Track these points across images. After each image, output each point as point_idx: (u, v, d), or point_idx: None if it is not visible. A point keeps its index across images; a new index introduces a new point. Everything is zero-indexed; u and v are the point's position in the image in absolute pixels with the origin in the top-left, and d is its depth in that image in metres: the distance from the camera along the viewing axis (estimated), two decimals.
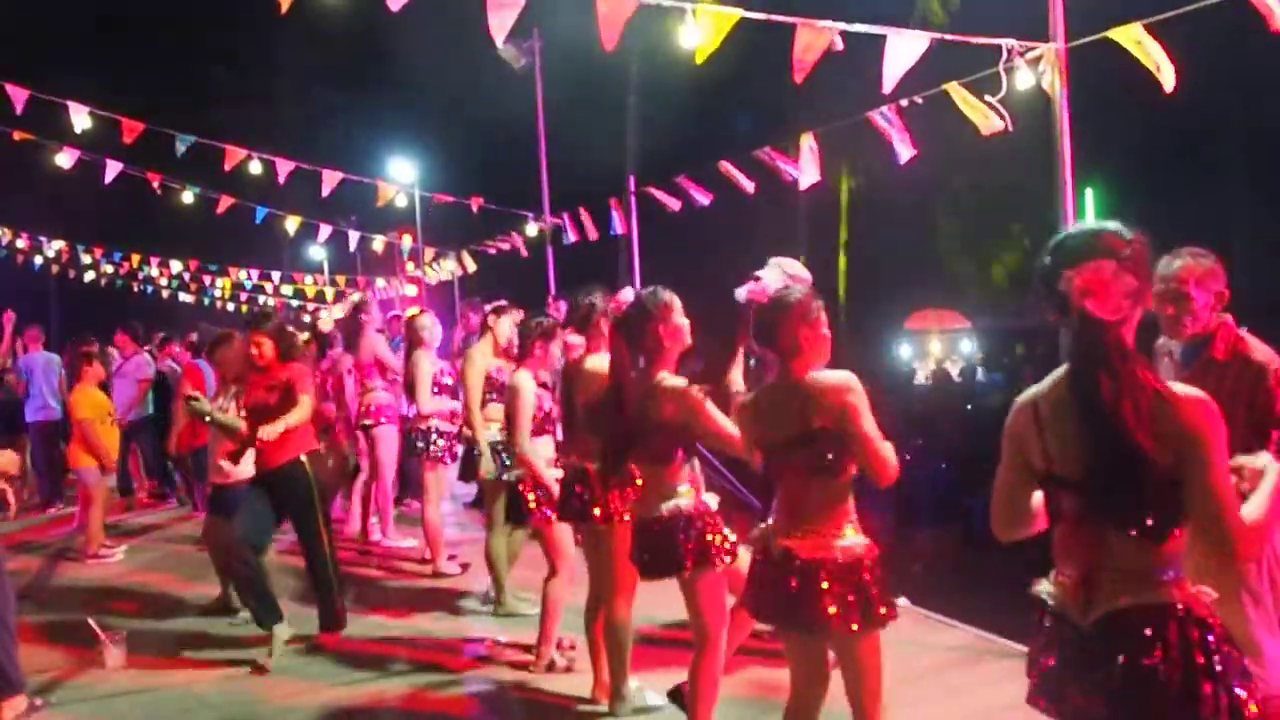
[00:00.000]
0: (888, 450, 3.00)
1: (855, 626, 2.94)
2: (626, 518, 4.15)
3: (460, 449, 7.06)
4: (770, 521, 3.17)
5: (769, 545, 3.10)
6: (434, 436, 7.12)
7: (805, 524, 3.04)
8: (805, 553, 3.00)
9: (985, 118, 5.56)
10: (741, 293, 3.48)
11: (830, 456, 3.00)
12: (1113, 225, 2.24)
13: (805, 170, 6.88)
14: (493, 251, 14.71)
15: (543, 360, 5.15)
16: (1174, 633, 2.07)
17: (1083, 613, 2.18)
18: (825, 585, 2.94)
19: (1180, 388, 2.13)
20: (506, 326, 6.21)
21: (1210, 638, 2.07)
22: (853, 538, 3.03)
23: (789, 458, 3.10)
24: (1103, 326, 2.12)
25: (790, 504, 3.10)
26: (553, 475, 4.89)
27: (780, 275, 4.93)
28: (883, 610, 2.98)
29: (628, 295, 3.81)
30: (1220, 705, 2.03)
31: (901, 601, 5.54)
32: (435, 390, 7.15)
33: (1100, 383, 2.11)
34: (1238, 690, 2.05)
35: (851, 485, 3.08)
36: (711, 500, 3.81)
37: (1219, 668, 2.05)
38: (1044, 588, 2.31)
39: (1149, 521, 2.11)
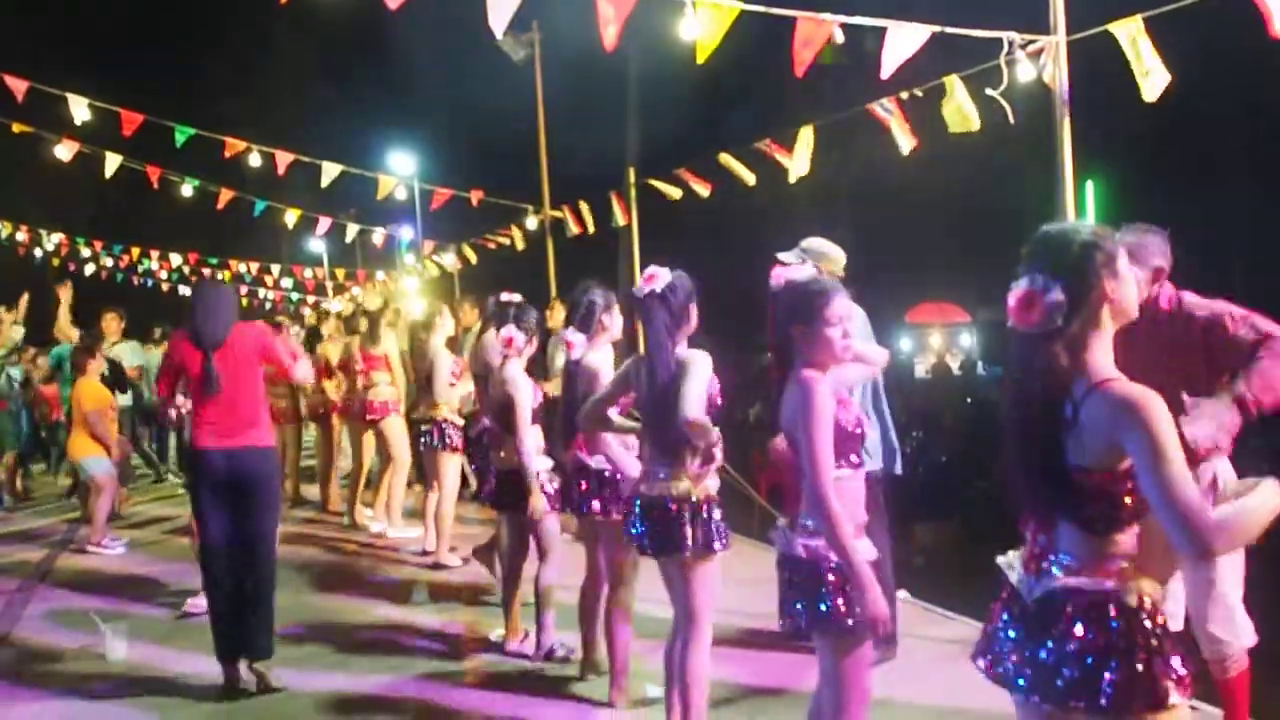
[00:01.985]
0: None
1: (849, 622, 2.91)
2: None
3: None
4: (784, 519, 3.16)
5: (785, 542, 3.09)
6: (447, 429, 7.16)
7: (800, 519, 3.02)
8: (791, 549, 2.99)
9: (964, 118, 5.56)
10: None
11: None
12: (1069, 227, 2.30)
13: (797, 162, 6.88)
14: (492, 246, 14.71)
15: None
16: (1107, 617, 2.12)
17: (1029, 588, 2.25)
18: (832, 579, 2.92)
19: (1120, 387, 2.13)
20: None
21: (1145, 625, 2.11)
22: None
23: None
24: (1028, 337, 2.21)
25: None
26: (543, 465, 4.93)
27: (803, 259, 4.94)
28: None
29: (663, 272, 3.81)
30: (1143, 691, 2.08)
31: (901, 594, 5.56)
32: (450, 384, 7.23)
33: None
34: (1164, 682, 2.08)
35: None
36: (713, 484, 3.81)
37: (1150, 655, 2.09)
38: (1007, 558, 2.38)
39: (1090, 515, 2.16)
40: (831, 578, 2.91)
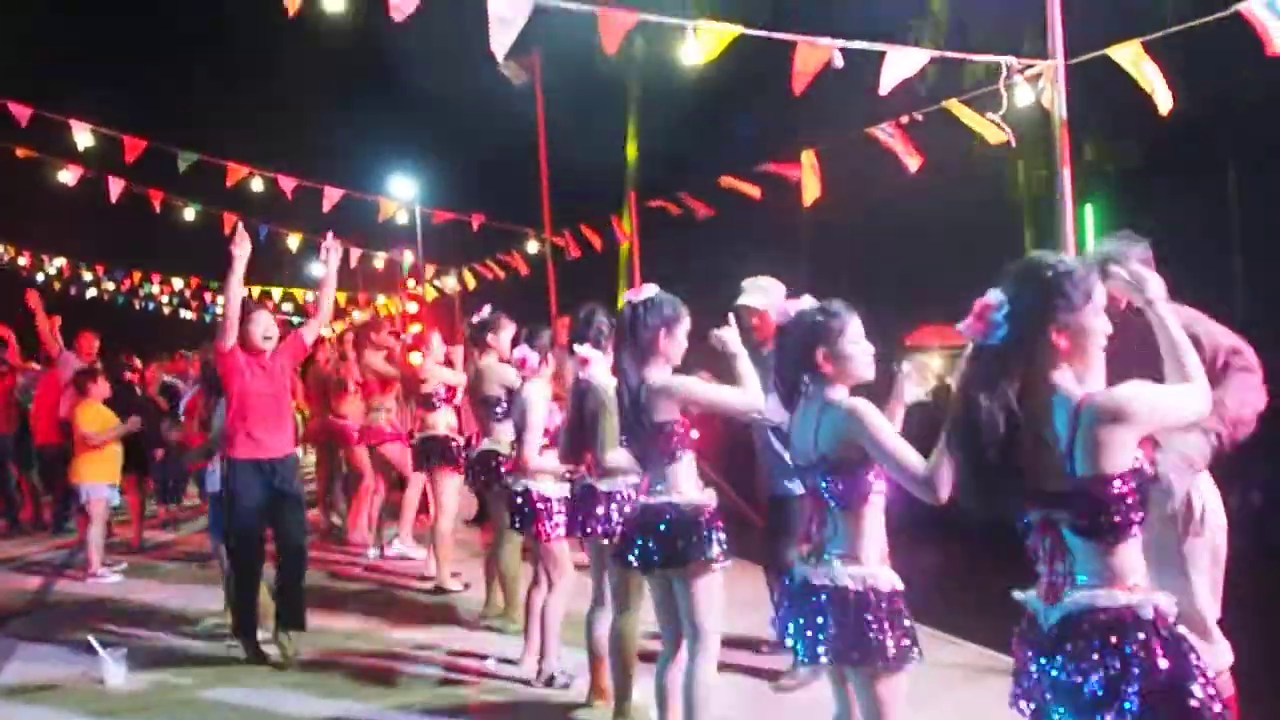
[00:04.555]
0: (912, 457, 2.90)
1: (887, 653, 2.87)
2: None
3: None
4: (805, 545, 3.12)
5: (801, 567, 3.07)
6: (445, 444, 7.16)
7: (824, 549, 2.99)
8: (817, 579, 2.95)
9: (991, 129, 5.59)
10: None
11: (840, 486, 2.95)
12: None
13: (807, 186, 6.89)
14: (490, 276, 14.74)
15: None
16: (1126, 633, 2.16)
17: (1046, 616, 2.29)
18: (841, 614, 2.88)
19: (1104, 392, 2.28)
20: (505, 339, 6.16)
21: (1165, 644, 2.15)
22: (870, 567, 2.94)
23: (806, 480, 3.09)
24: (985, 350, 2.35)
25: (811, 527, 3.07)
26: (555, 490, 4.91)
27: (763, 298, 4.94)
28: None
29: (650, 289, 3.81)
30: (1170, 705, 2.11)
31: None
32: (440, 400, 7.26)
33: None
34: (1192, 701, 2.11)
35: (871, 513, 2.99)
36: (710, 497, 3.79)
37: (1173, 673, 2.13)
38: (1025, 594, 2.41)
39: (1093, 524, 2.23)
40: (874, 606, 2.87)
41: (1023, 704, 2.36)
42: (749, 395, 3.72)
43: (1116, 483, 2.21)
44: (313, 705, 5.00)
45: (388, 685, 5.29)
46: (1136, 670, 2.12)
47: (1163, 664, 2.13)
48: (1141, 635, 2.16)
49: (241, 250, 5.51)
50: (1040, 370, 2.31)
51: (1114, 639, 2.16)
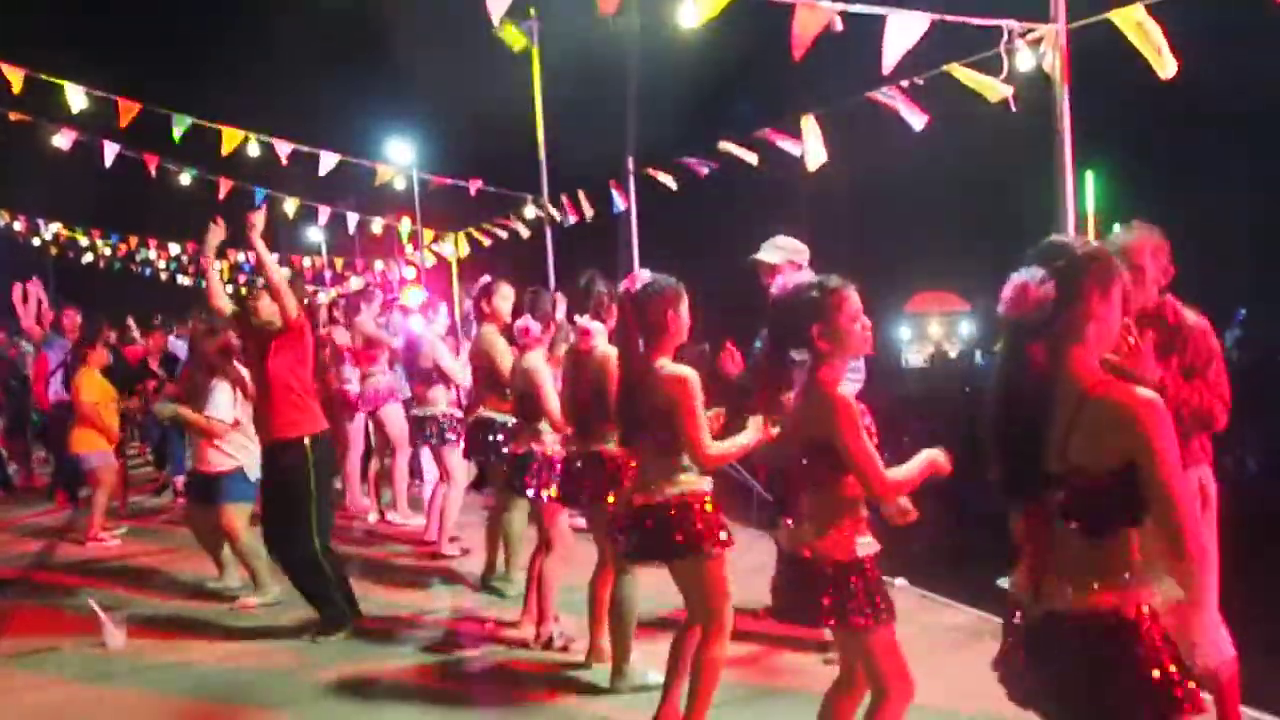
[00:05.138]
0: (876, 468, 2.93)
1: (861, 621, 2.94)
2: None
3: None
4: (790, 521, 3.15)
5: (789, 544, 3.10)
6: (445, 424, 7.17)
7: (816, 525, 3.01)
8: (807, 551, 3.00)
9: (992, 89, 5.55)
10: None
11: (824, 469, 2.97)
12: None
13: (811, 151, 6.84)
14: (488, 242, 14.67)
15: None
16: (1108, 632, 2.14)
17: (1033, 604, 2.28)
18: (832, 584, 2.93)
19: (1127, 389, 2.17)
20: (506, 305, 6.15)
21: (1149, 646, 2.13)
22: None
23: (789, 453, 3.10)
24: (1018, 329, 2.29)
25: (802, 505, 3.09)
26: (559, 454, 4.95)
27: (779, 255, 4.95)
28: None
29: (644, 275, 3.80)
30: (1149, 706, 2.10)
31: (899, 581, 5.58)
32: (438, 375, 7.25)
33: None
34: (1169, 696, 2.11)
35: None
36: (706, 481, 3.79)
37: (1154, 669, 2.11)
38: (1008, 579, 2.42)
39: (1086, 517, 2.18)
40: (842, 575, 2.93)
41: (1000, 673, 2.38)
42: (720, 451, 3.63)
43: (1108, 477, 2.14)
44: (310, 668, 5.04)
45: (386, 647, 5.33)
46: (1118, 676, 2.11)
47: (1143, 668, 2.11)
48: (1124, 634, 2.13)
49: (258, 224, 5.37)
50: (1061, 349, 2.26)
51: (1096, 639, 2.15)
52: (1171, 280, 3.67)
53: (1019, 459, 2.27)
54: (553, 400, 4.94)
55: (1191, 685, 2.12)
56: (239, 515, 6.26)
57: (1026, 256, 2.32)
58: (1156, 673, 2.10)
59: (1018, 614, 2.35)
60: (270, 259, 5.43)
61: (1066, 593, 2.19)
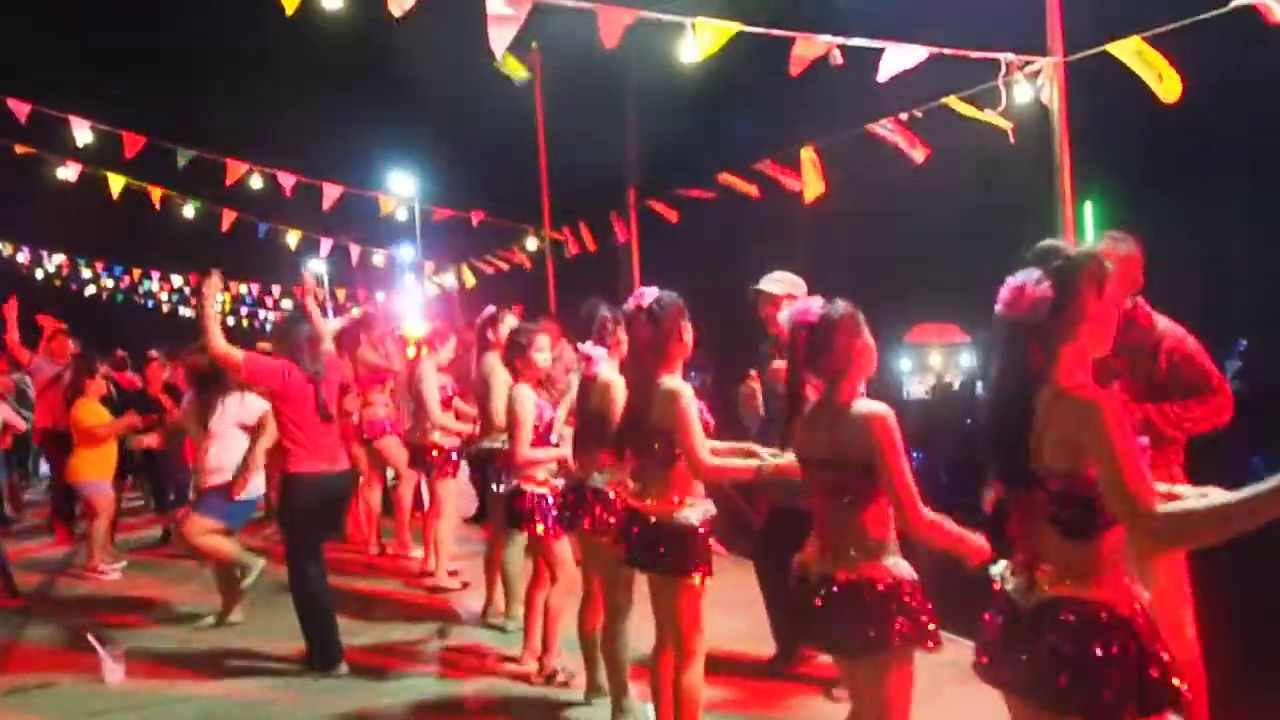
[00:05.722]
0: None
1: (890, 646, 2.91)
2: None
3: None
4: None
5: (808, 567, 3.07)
6: (435, 453, 7.14)
7: (834, 547, 2.98)
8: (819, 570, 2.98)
9: (991, 121, 5.59)
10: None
11: (856, 485, 2.93)
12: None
13: (809, 183, 6.88)
14: (490, 271, 14.72)
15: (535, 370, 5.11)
16: (1099, 626, 2.18)
17: (1023, 596, 2.33)
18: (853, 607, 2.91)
19: (1083, 390, 2.26)
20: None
21: (1133, 639, 2.17)
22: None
23: (820, 479, 3.05)
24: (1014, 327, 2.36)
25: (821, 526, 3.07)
26: (553, 487, 4.92)
27: (780, 287, 4.95)
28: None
29: (650, 291, 3.81)
30: (1136, 699, 2.14)
31: None
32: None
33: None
34: (1156, 691, 2.15)
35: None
36: (703, 511, 3.76)
37: (1144, 663, 2.15)
38: (998, 568, 2.48)
39: (1061, 520, 2.25)
40: (877, 599, 2.91)
41: (981, 658, 2.44)
42: (719, 464, 3.65)
43: (1080, 481, 2.20)
44: (311, 702, 5.00)
45: (386, 681, 5.29)
46: (1109, 669, 2.14)
47: (1134, 662, 2.15)
48: (1113, 631, 2.17)
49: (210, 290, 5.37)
50: (1054, 348, 2.32)
51: (1087, 632, 2.18)
52: (1170, 308, 3.71)
53: (1008, 455, 2.35)
54: (522, 431, 4.88)
55: (1178, 683, 2.16)
56: (196, 525, 6.34)
57: (1024, 260, 2.40)
58: (1142, 668, 2.15)
59: (999, 601, 2.41)
60: (213, 321, 5.33)
61: (1060, 586, 2.25)
